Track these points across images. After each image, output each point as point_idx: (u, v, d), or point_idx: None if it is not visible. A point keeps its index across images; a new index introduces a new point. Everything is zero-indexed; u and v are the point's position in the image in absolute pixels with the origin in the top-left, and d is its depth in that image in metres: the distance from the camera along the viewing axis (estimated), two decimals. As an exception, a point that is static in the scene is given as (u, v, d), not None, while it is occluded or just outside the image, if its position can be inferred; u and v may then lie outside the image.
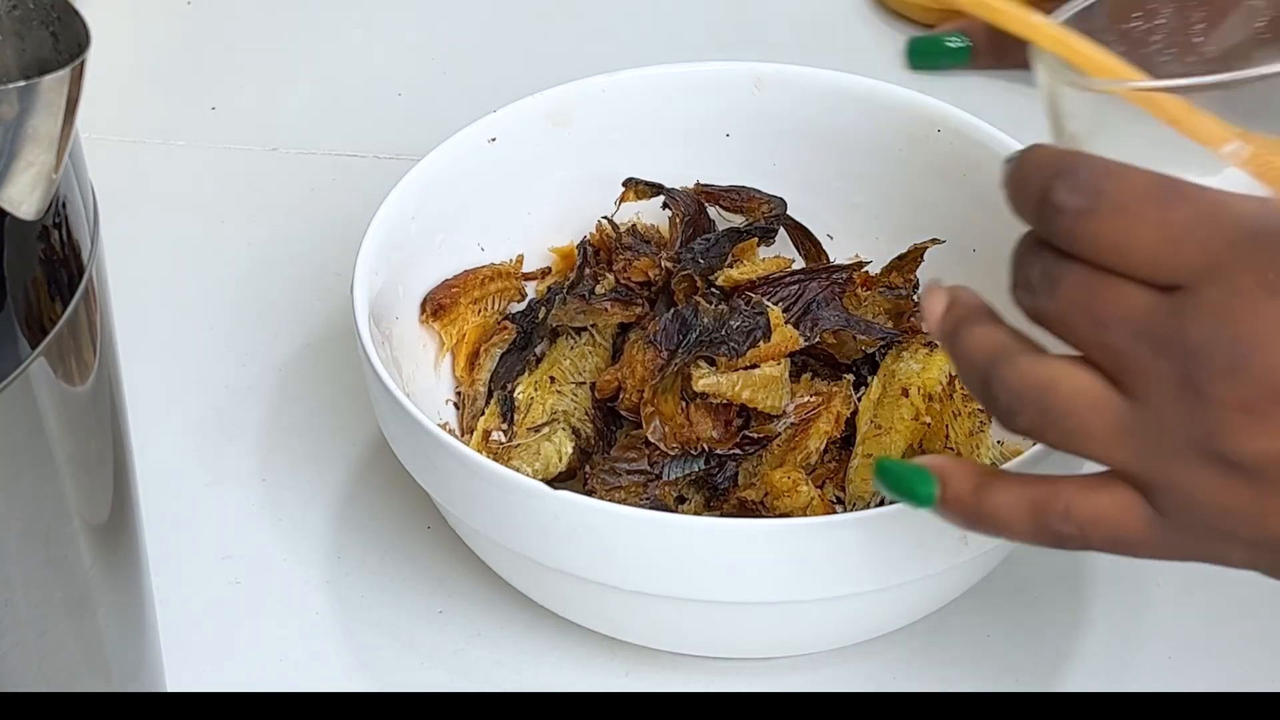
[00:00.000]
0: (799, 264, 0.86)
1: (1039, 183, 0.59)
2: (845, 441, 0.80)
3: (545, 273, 0.87)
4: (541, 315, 0.84)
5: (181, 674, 0.73)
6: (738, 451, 0.77)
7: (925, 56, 0.63)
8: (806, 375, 0.81)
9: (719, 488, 0.78)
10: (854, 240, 0.87)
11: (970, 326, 0.62)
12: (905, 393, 0.79)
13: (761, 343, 0.78)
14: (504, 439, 0.81)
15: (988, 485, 0.62)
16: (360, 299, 0.77)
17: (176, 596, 0.76)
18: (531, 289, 0.87)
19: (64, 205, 0.56)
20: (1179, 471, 0.58)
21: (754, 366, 0.78)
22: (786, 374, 0.79)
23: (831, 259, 0.86)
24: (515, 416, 0.81)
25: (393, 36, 1.07)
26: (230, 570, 0.80)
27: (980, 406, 0.81)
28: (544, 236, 0.87)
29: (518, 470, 0.75)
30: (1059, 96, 0.62)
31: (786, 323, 0.79)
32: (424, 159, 0.83)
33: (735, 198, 0.86)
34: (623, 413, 0.79)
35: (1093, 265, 0.58)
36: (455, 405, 0.83)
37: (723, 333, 0.78)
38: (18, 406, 0.56)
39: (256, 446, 0.85)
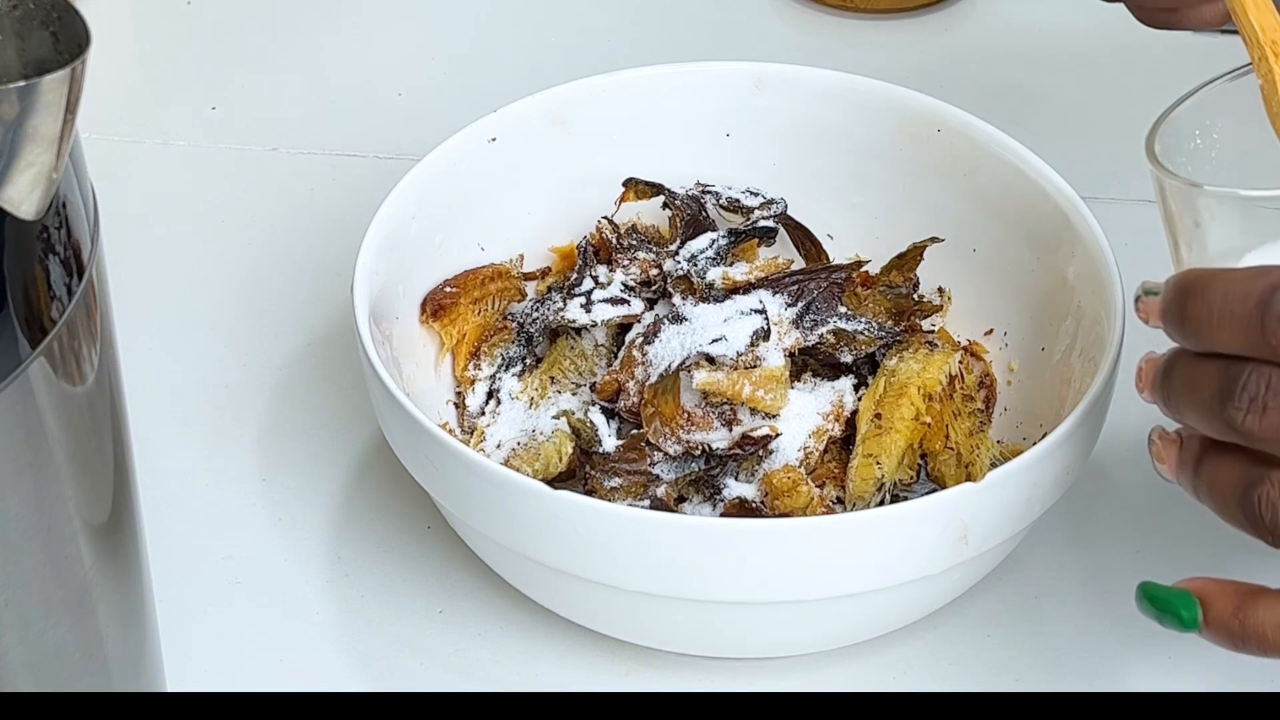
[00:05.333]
0: (799, 264, 0.86)
1: (1250, 303, 0.59)
2: (845, 441, 0.80)
3: (545, 273, 0.87)
4: (541, 315, 0.84)
5: (181, 674, 0.73)
6: (738, 451, 0.77)
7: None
8: (807, 374, 0.81)
9: (719, 488, 0.78)
10: (854, 240, 0.87)
11: (1209, 461, 0.63)
12: (905, 392, 0.79)
13: (761, 343, 0.78)
14: (502, 438, 0.81)
15: (1249, 604, 0.62)
16: (360, 299, 0.77)
17: (176, 596, 0.76)
18: (531, 289, 0.87)
19: (64, 205, 0.56)
20: None
21: (754, 366, 0.78)
22: (787, 373, 0.79)
23: (831, 259, 0.86)
24: (515, 416, 0.81)
25: (393, 36, 1.07)
26: (230, 570, 0.80)
27: (980, 407, 0.81)
28: (544, 236, 0.87)
29: (518, 470, 0.75)
30: (1199, 211, 0.63)
31: (787, 322, 0.79)
32: (424, 159, 0.83)
33: (735, 198, 0.86)
34: (622, 413, 0.79)
35: None
36: (455, 405, 0.83)
37: (723, 333, 0.78)
38: (18, 406, 0.56)
39: (256, 446, 0.85)
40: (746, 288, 0.81)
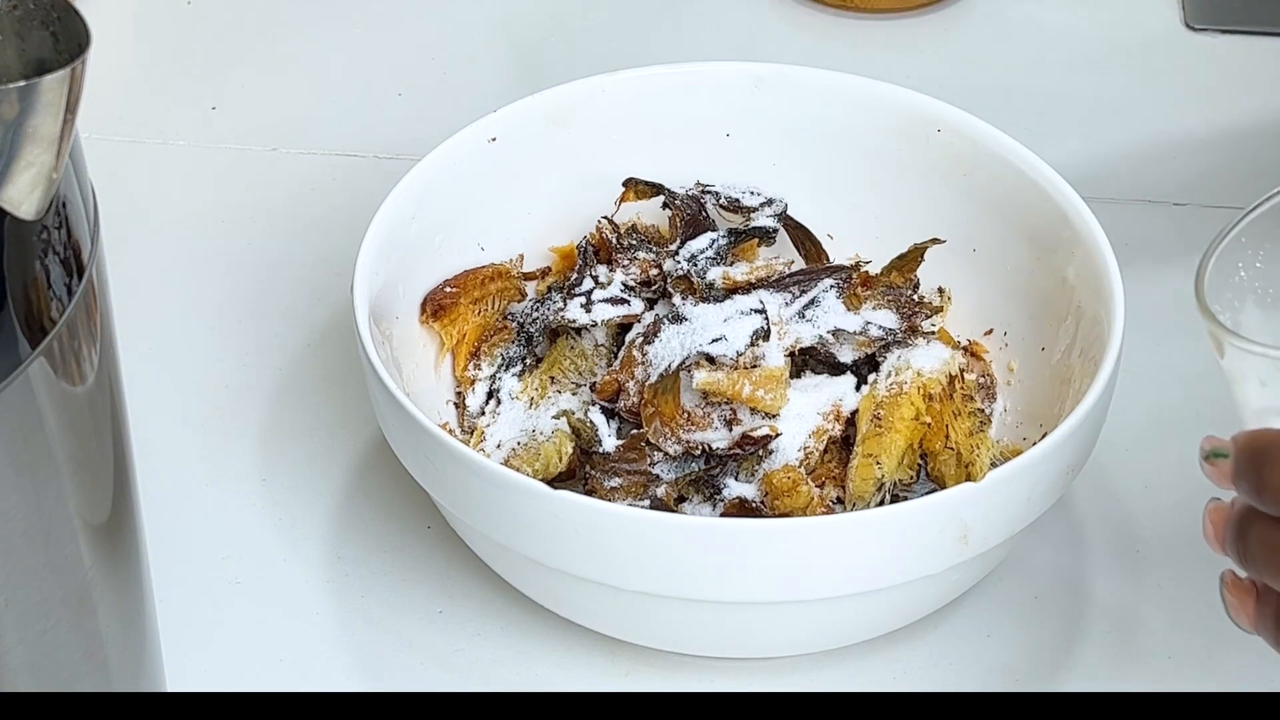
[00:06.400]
0: (799, 264, 0.86)
1: None
2: (845, 441, 0.80)
3: (545, 273, 0.87)
4: (541, 315, 0.84)
5: (181, 674, 0.73)
6: (738, 451, 0.77)
7: None
8: (807, 374, 0.81)
9: (719, 488, 0.78)
10: (854, 240, 0.87)
11: None
12: (905, 392, 0.79)
13: (761, 342, 0.78)
14: (502, 437, 0.81)
15: None
16: (360, 299, 0.77)
17: (176, 596, 0.76)
18: (531, 289, 0.87)
19: (64, 205, 0.56)
20: None
21: (754, 366, 0.78)
22: (787, 373, 0.79)
23: (831, 259, 0.86)
24: (515, 416, 0.81)
25: (393, 36, 1.07)
26: (230, 570, 0.80)
27: (980, 407, 0.81)
28: (544, 236, 0.87)
29: (518, 470, 0.75)
30: (1257, 365, 0.61)
31: (787, 321, 0.79)
32: (424, 159, 0.83)
33: (735, 198, 0.86)
34: (622, 413, 0.79)
35: None
36: (455, 405, 0.83)
37: (723, 333, 0.78)
38: (18, 406, 0.56)
39: (256, 446, 0.85)
40: (746, 288, 0.81)
